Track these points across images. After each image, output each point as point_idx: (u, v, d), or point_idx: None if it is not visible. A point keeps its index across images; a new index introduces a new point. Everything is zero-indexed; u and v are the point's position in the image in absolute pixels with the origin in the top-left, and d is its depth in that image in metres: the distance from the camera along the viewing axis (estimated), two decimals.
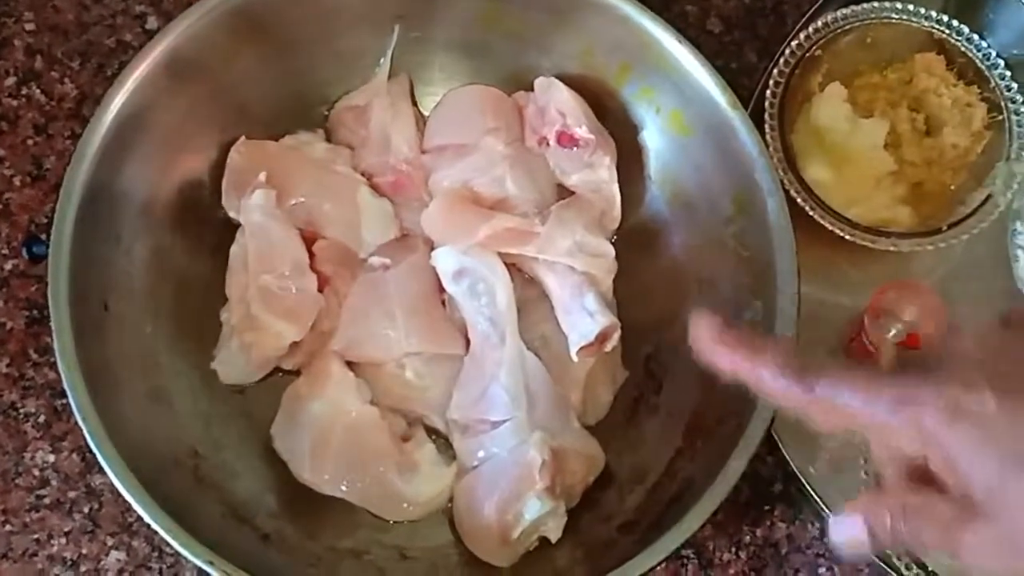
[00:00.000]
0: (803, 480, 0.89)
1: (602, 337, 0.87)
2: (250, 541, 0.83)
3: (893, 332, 0.92)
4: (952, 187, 0.95)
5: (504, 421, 0.85)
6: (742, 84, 0.97)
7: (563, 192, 0.93)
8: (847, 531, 0.62)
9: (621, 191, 0.92)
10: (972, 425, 0.58)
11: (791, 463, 0.90)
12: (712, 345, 0.65)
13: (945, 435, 0.58)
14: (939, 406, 0.59)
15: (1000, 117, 0.94)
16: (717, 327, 0.65)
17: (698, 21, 1.02)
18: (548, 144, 0.92)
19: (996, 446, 0.58)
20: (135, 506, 0.76)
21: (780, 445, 0.90)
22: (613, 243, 0.92)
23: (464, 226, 0.88)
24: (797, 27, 0.95)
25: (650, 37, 0.88)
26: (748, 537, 0.91)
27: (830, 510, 0.88)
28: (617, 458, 0.88)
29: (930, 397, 0.59)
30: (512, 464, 0.84)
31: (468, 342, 0.89)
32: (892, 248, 0.91)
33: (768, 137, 0.92)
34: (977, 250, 0.95)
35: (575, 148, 0.91)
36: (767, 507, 0.92)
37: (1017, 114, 0.93)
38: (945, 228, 0.91)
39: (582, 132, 0.90)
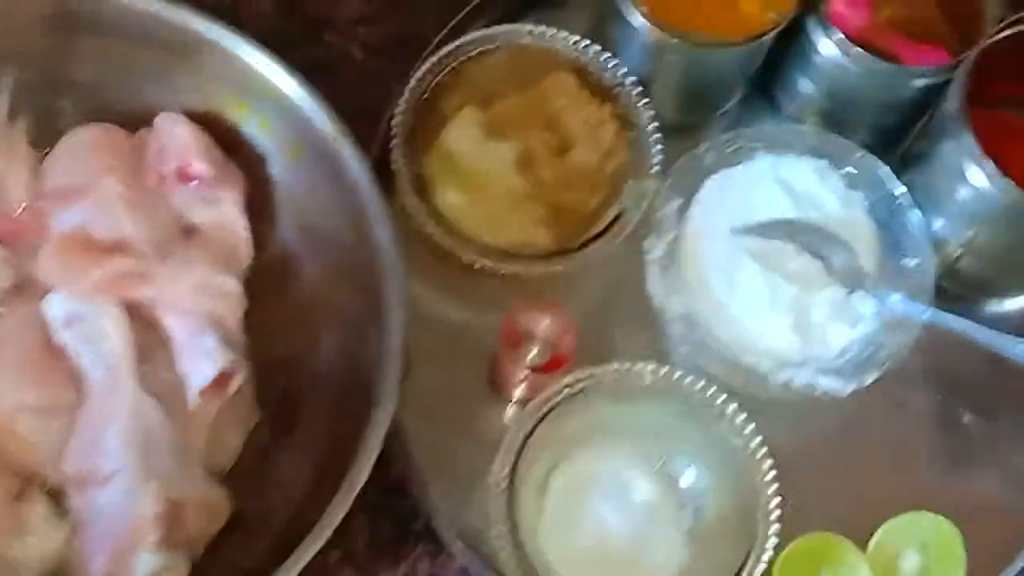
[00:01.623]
0: (433, 518, 0.88)
1: (223, 378, 0.85)
2: None
3: (534, 352, 0.91)
4: (592, 206, 0.94)
5: (118, 472, 0.82)
6: (386, 112, 0.95)
7: (191, 231, 0.90)
8: None
9: (252, 226, 0.90)
10: None
11: (421, 504, 0.89)
12: None
13: None
14: None
15: (632, 134, 0.94)
16: None
17: (340, 50, 1.01)
18: (169, 182, 0.89)
19: None
20: None
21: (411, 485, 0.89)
22: (246, 280, 0.90)
23: (78, 270, 0.86)
24: (427, 51, 0.95)
25: (259, 72, 0.87)
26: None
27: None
28: (247, 503, 0.86)
29: None
30: (125, 516, 0.81)
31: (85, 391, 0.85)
32: (523, 271, 0.90)
33: (397, 164, 0.91)
34: (622, 267, 0.95)
35: (196, 184, 0.89)
36: (409, 543, 0.90)
37: (647, 130, 0.94)
38: (577, 247, 0.91)
39: (201, 168, 0.88)
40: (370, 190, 0.84)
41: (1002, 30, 0.89)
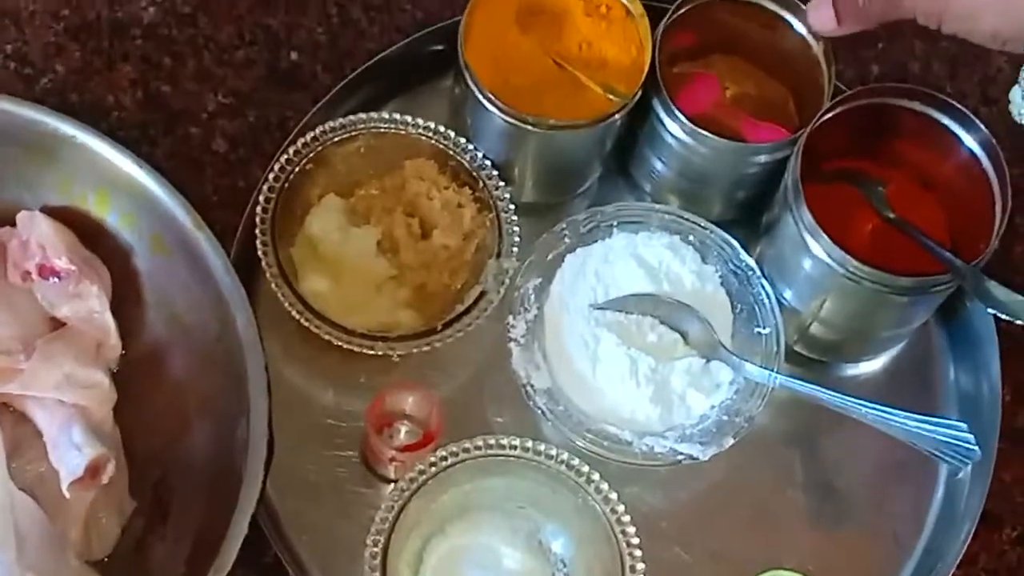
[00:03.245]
0: None
1: (93, 469, 0.86)
2: None
3: (404, 432, 0.94)
4: (456, 287, 0.97)
5: None
6: (252, 200, 0.97)
7: (58, 324, 0.92)
8: (821, 15, 0.74)
9: (121, 319, 0.92)
10: None
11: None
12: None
13: None
14: None
15: (491, 216, 0.97)
16: None
17: (202, 142, 1.03)
18: (32, 278, 0.90)
19: None
20: None
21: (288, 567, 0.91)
22: (117, 371, 0.92)
23: None
24: (287, 141, 0.97)
25: (116, 167, 0.90)
26: None
27: None
28: None
29: None
30: None
31: None
32: (389, 352, 0.92)
33: (260, 252, 0.93)
34: (488, 344, 0.97)
35: (58, 279, 0.90)
36: None
37: (505, 212, 0.97)
38: (440, 328, 0.93)
39: (62, 263, 0.90)
40: (229, 281, 0.87)
41: (831, 108, 0.94)
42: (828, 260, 0.92)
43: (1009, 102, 0.88)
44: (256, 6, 1.08)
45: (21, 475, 0.87)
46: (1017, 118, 0.86)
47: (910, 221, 0.96)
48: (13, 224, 0.92)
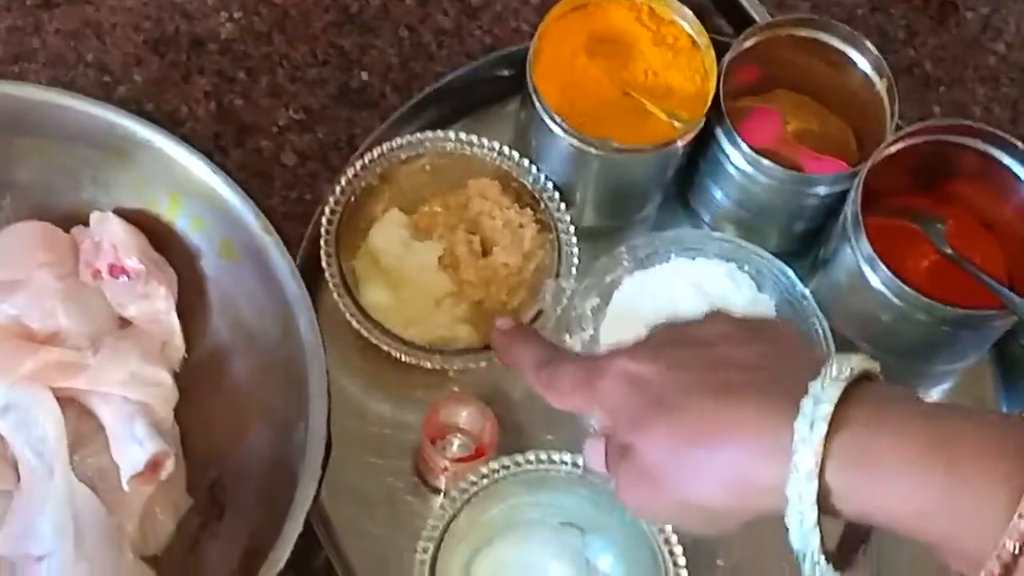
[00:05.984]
0: None
1: (153, 465, 0.87)
2: None
3: (457, 444, 0.95)
4: (513, 305, 0.99)
5: (49, 555, 0.84)
6: (317, 212, 0.99)
7: (125, 324, 0.94)
8: (593, 456, 0.75)
9: (185, 320, 0.94)
10: (628, 381, 0.69)
11: None
12: (498, 340, 0.81)
13: (609, 390, 0.70)
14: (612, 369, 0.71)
15: (551, 237, 0.99)
16: (507, 326, 0.82)
17: (272, 155, 1.05)
18: (102, 277, 0.93)
19: (641, 395, 0.68)
20: None
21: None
22: (179, 372, 0.93)
23: (9, 361, 0.88)
24: (354, 156, 0.99)
25: (192, 172, 0.91)
26: None
27: None
28: None
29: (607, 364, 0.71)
30: None
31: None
32: (445, 366, 0.94)
33: (324, 263, 0.95)
34: None
35: (128, 279, 0.92)
36: None
37: (566, 233, 0.98)
38: None
39: (132, 263, 0.92)
40: (294, 284, 0.88)
41: (894, 143, 0.95)
42: (885, 291, 0.92)
43: None
44: (330, 27, 1.10)
45: (82, 467, 0.88)
46: None
47: (968, 257, 0.97)
48: (87, 224, 0.95)
